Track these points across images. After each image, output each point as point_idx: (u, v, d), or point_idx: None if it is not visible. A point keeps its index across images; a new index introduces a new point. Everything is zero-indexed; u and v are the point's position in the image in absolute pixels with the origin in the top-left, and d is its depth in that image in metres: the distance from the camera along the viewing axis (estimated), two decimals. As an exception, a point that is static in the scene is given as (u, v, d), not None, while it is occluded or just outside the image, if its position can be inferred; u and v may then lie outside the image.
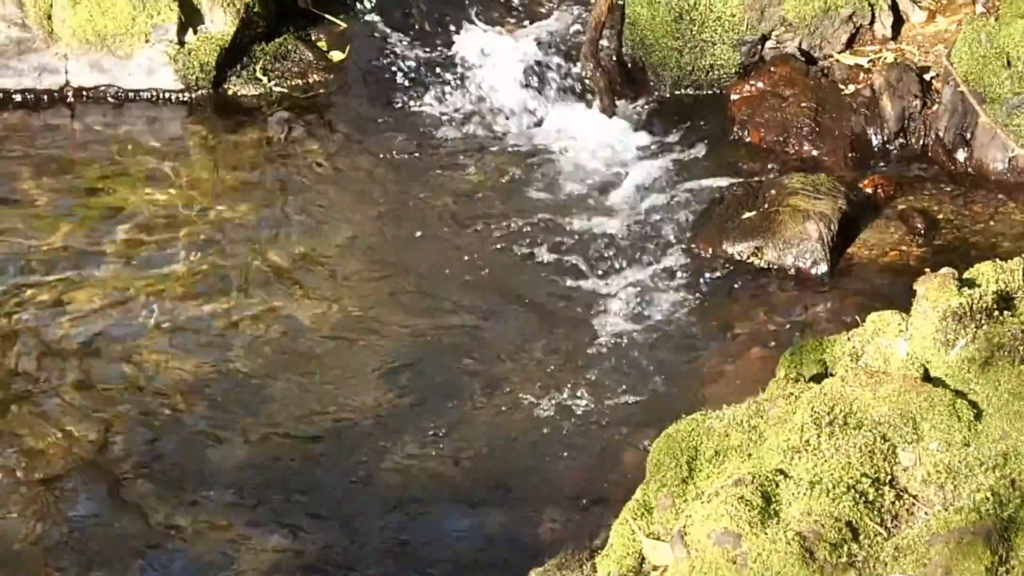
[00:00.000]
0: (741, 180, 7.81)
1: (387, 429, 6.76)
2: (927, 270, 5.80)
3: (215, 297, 7.49)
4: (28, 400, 6.99)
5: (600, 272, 7.46)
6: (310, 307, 7.42)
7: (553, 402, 6.75)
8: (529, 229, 7.77)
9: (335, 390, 6.96)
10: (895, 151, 7.77)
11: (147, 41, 8.61)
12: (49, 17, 8.60)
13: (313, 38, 9.00)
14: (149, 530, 6.33)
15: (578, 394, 6.79)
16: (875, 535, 4.71)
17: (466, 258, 7.69)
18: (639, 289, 7.35)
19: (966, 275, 5.66)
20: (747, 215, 7.46)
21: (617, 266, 7.48)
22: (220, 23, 8.70)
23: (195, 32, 8.70)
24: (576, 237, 7.67)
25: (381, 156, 8.32)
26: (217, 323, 7.36)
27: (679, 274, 7.40)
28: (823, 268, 7.20)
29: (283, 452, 6.68)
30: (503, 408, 6.77)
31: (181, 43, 8.63)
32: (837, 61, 8.12)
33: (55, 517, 6.41)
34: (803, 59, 8.15)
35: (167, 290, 7.51)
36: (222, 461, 6.63)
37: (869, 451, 4.84)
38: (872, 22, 8.07)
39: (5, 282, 7.57)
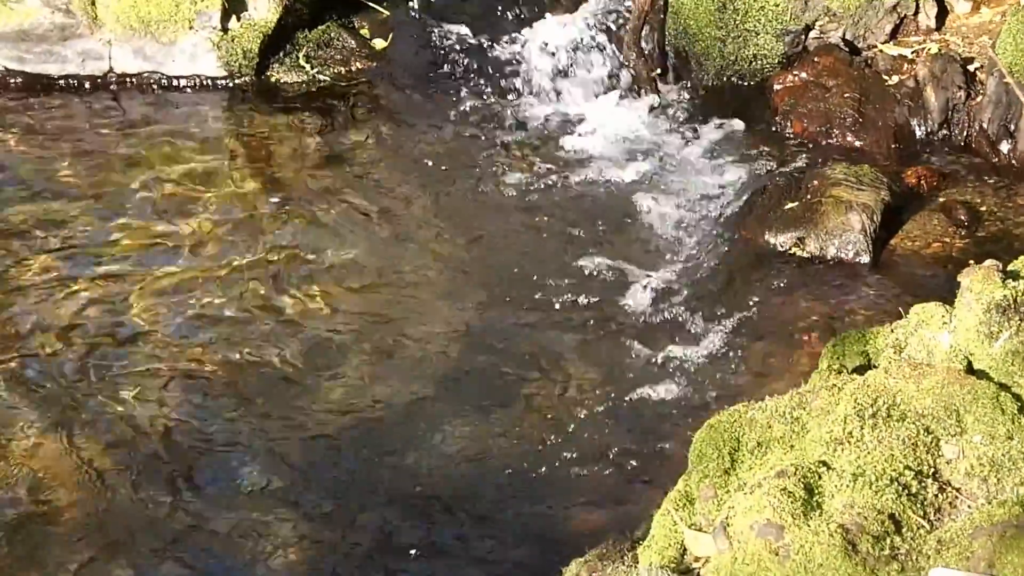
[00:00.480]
0: (784, 170, 7.80)
1: (433, 416, 6.77)
2: (971, 262, 5.79)
3: (256, 279, 7.48)
4: (80, 387, 7.02)
5: (642, 260, 7.44)
6: (352, 288, 7.43)
7: (596, 391, 6.75)
8: (570, 215, 7.81)
9: (387, 368, 7.03)
10: (939, 142, 7.76)
11: (191, 28, 8.63)
12: (93, 3, 8.63)
13: (356, 26, 9.01)
14: (198, 509, 6.38)
15: (620, 383, 6.79)
16: (918, 528, 4.71)
17: (511, 243, 7.72)
18: (681, 278, 7.34)
19: (1010, 267, 5.66)
20: (789, 205, 7.45)
21: (659, 254, 7.47)
22: (263, 10, 8.72)
23: (238, 19, 8.71)
24: (619, 225, 7.67)
25: (423, 144, 8.34)
26: (263, 304, 7.37)
27: (721, 263, 7.39)
28: (866, 259, 7.18)
29: (336, 434, 6.72)
30: (546, 397, 6.79)
31: (224, 30, 8.65)
32: (881, 52, 8.10)
33: (107, 493, 6.46)
34: (847, 49, 8.13)
35: (208, 273, 7.52)
36: (278, 438, 6.69)
37: (912, 444, 4.85)
38: (916, 12, 8.06)
39: (48, 264, 7.58)
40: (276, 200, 7.96)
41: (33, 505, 6.42)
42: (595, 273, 7.45)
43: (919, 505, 4.72)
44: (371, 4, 9.06)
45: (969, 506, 4.75)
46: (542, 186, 8.00)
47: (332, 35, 8.91)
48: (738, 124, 8.19)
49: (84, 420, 6.76)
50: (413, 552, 6.16)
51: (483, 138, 8.36)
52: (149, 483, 6.50)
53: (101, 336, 7.22)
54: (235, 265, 7.58)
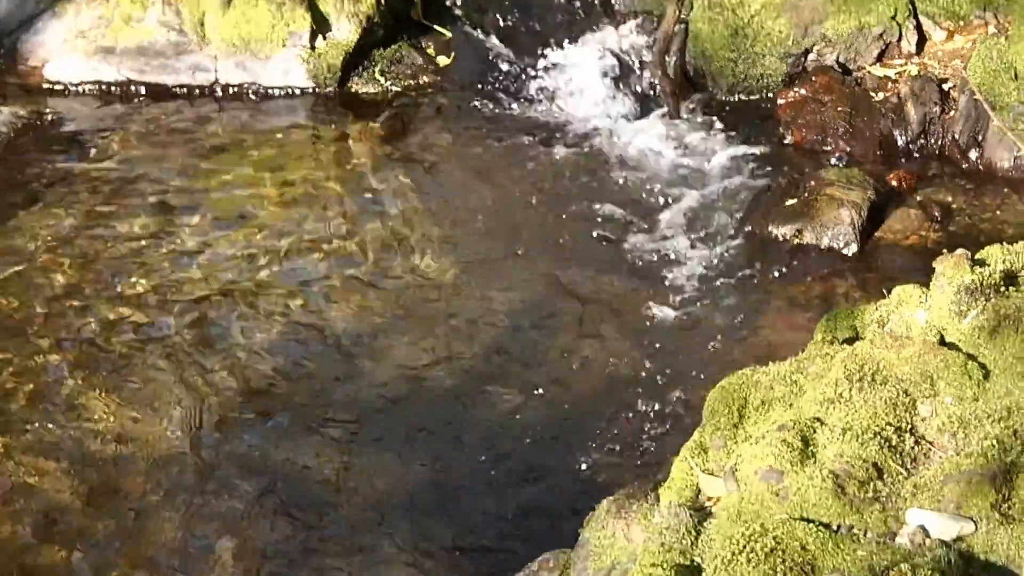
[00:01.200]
0: (785, 172, 7.88)
1: (491, 376, 6.86)
2: (944, 251, 5.88)
3: (343, 258, 7.56)
4: (202, 344, 7.16)
5: (667, 248, 7.54)
6: (423, 268, 7.49)
7: (625, 359, 6.84)
8: (604, 210, 7.84)
9: (454, 334, 7.12)
10: (917, 150, 7.81)
11: (284, 46, 8.71)
12: (202, 24, 8.70)
13: (423, 45, 9.04)
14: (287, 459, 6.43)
15: (646, 351, 6.87)
16: (897, 475, 4.82)
17: (553, 232, 7.76)
18: (698, 263, 7.42)
19: (977, 256, 5.75)
20: (790, 202, 7.54)
21: (680, 242, 7.56)
22: (345, 31, 8.81)
23: (324, 38, 8.79)
24: (647, 216, 7.75)
25: (479, 146, 8.41)
26: (350, 280, 7.44)
27: (733, 251, 7.48)
28: (854, 248, 7.27)
29: (410, 390, 6.81)
30: (586, 363, 6.89)
31: (312, 48, 8.72)
32: (869, 72, 8.13)
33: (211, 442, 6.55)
34: (840, 70, 8.17)
35: (303, 254, 7.60)
36: (364, 391, 6.80)
37: (893, 404, 4.95)
38: (899, 39, 8.10)
39: (169, 247, 7.67)
40: (356, 190, 8.04)
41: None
42: (625, 254, 7.55)
43: (898, 455, 4.83)
44: (436, 27, 9.09)
45: (940, 457, 4.85)
46: (579, 182, 8.08)
47: (403, 53, 8.95)
48: (747, 133, 8.19)
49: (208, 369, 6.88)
50: (475, 487, 6.24)
51: (530, 141, 8.41)
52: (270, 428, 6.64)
53: (210, 297, 7.34)
54: (326, 243, 7.68)
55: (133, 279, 7.43)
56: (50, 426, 6.57)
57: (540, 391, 6.73)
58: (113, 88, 8.87)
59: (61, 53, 8.96)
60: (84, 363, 6.92)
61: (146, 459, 6.39)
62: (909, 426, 4.93)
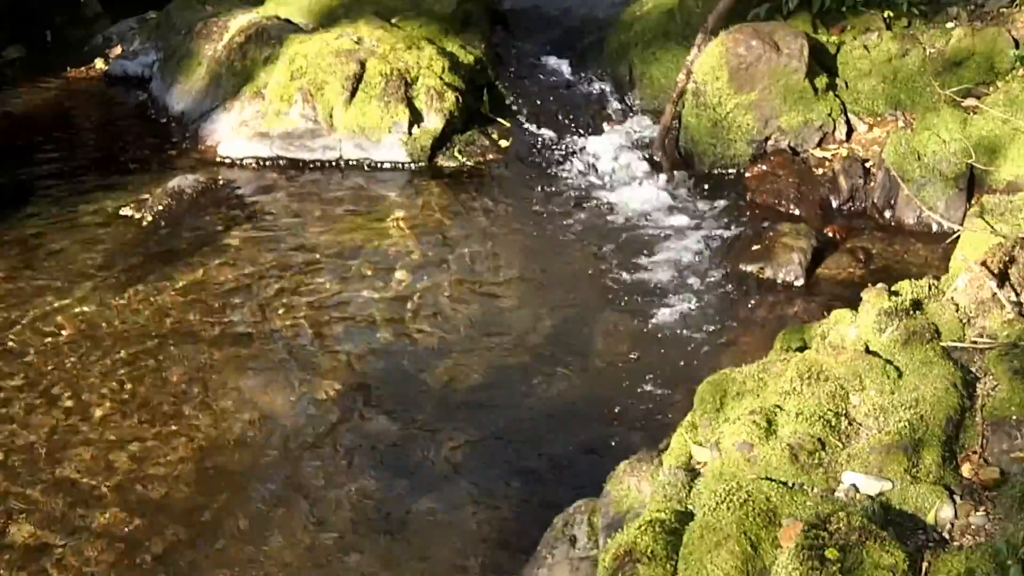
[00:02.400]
0: (751, 225, 7.90)
1: (538, 373, 6.86)
2: (868, 285, 5.89)
3: (431, 286, 7.55)
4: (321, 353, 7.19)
5: (664, 280, 7.56)
6: (487, 301, 7.47)
7: (636, 361, 6.89)
8: (618, 251, 7.85)
9: (508, 341, 7.14)
10: (847, 211, 7.84)
11: (389, 132, 8.72)
12: (331, 115, 8.74)
13: (489, 131, 9.03)
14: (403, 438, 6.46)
15: (651, 356, 6.91)
16: (835, 447, 4.83)
17: (581, 277, 7.73)
18: (688, 291, 7.44)
19: (892, 288, 5.76)
20: (755, 247, 7.57)
21: (675, 276, 7.58)
22: (433, 121, 8.83)
23: (418, 127, 8.80)
24: (646, 258, 7.74)
25: (530, 205, 8.40)
26: (440, 299, 7.48)
27: (714, 283, 7.51)
28: (801, 281, 7.31)
29: (483, 384, 6.81)
30: (608, 364, 6.93)
31: (410, 133, 8.73)
32: (812, 154, 8.14)
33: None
34: (791, 152, 8.18)
35: (403, 282, 7.60)
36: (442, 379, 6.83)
37: (832, 395, 4.97)
38: (834, 130, 8.10)
39: (306, 271, 7.75)
40: (439, 237, 8.07)
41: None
42: (631, 287, 7.52)
43: (836, 433, 4.85)
44: (498, 119, 9.10)
45: (867, 434, 4.87)
46: (598, 233, 8.07)
47: (474, 137, 8.96)
48: (723, 197, 8.23)
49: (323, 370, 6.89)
50: (530, 452, 6.33)
51: (563, 199, 8.44)
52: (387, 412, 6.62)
53: (326, 322, 7.33)
54: (417, 274, 7.67)
55: (281, 295, 7.50)
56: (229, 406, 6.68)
57: (575, 385, 6.77)
58: (266, 162, 8.89)
59: (229, 136, 9.03)
60: (238, 362, 6.99)
61: (287, 436, 6.45)
62: (844, 411, 4.95)
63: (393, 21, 9.41)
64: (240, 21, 9.56)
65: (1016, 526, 4.39)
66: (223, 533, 5.82)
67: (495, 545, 5.71)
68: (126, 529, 5.83)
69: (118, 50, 10.14)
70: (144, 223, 8.15)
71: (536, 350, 7.03)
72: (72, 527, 5.87)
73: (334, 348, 7.08)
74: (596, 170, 8.60)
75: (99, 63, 10.11)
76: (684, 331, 7.07)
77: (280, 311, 7.33)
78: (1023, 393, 4.96)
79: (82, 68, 10.12)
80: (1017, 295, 5.54)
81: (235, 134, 8.96)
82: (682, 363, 6.81)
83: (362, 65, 8.86)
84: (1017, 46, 7.77)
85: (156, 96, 9.61)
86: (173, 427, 6.44)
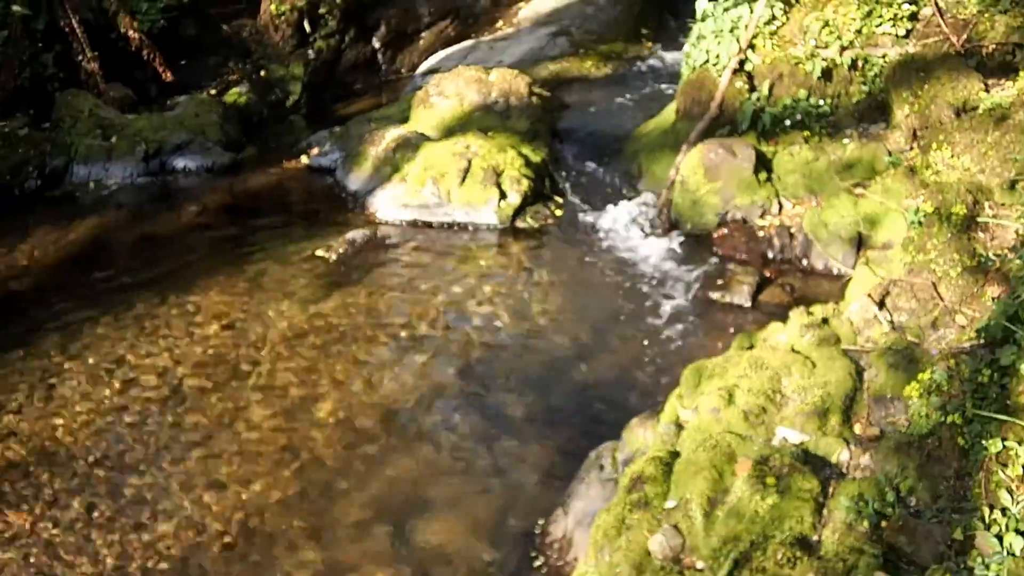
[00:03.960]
0: (716, 267, 7.82)
1: (576, 368, 6.89)
2: (793, 307, 5.90)
3: (505, 310, 7.56)
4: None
5: (657, 302, 7.51)
6: (545, 312, 7.50)
7: (639, 358, 6.90)
8: (631, 282, 7.78)
9: (565, 342, 7.12)
10: (778, 259, 7.79)
11: (486, 203, 8.67)
12: (449, 193, 8.74)
13: (549, 204, 8.94)
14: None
15: (650, 353, 6.95)
16: (773, 412, 4.85)
17: (605, 298, 7.68)
18: (676, 310, 7.41)
19: (809, 309, 5.75)
20: (719, 281, 7.58)
21: (664, 300, 7.53)
22: (514, 198, 8.74)
23: (504, 201, 8.71)
24: (650, 287, 7.69)
25: (575, 251, 8.36)
26: (514, 317, 7.45)
27: (692, 305, 7.47)
28: (749, 304, 7.31)
29: (540, 375, 6.84)
30: (622, 360, 6.94)
31: (499, 205, 8.67)
32: (756, 223, 8.08)
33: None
34: (743, 221, 8.11)
35: (490, 307, 7.63)
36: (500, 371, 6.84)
37: (771, 378, 4.99)
38: (771, 207, 8.05)
39: (428, 296, 7.79)
40: (516, 273, 8.07)
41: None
42: (638, 306, 7.48)
43: (773, 403, 4.87)
44: (555, 196, 9.09)
45: (793, 404, 4.84)
46: (617, 270, 8.00)
47: (539, 208, 8.89)
48: (699, 249, 8.19)
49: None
50: (570, 412, 6.44)
51: (594, 248, 8.38)
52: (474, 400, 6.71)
53: (445, 327, 7.41)
54: (496, 302, 7.67)
55: (416, 306, 7.61)
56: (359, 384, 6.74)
57: (603, 371, 6.81)
58: (408, 223, 8.87)
59: (385, 206, 9.02)
60: (384, 349, 7.10)
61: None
62: (778, 389, 4.98)
63: (489, 134, 9.45)
64: (392, 133, 9.66)
65: (890, 465, 4.40)
66: (378, 452, 6.08)
67: (554, 468, 5.84)
68: (302, 453, 6.00)
69: (316, 151, 10.27)
70: (330, 260, 8.24)
71: (578, 347, 7.07)
72: (283, 440, 6.07)
73: (447, 342, 7.20)
74: (617, 229, 8.59)
75: (303, 159, 10.25)
76: (673, 335, 7.10)
77: (414, 317, 7.48)
78: (894, 379, 4.99)
79: (292, 161, 10.27)
80: (890, 316, 5.56)
81: (388, 204, 9.02)
82: (672, 356, 6.82)
83: (469, 162, 8.90)
84: (890, 155, 7.73)
85: (339, 180, 9.70)
86: (341, 389, 6.68)
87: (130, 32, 10.79)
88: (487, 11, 14.09)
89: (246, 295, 7.77)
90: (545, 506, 5.41)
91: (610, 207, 8.85)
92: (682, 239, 8.23)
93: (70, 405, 6.49)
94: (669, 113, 9.38)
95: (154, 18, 11.11)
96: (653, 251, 8.16)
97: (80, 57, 10.48)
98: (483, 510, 5.47)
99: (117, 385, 6.69)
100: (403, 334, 7.23)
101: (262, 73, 11.74)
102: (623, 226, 8.56)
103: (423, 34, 13.54)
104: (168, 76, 11.09)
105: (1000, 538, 3.83)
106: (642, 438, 5.22)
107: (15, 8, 10.02)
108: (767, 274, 7.61)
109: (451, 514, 5.45)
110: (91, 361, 6.95)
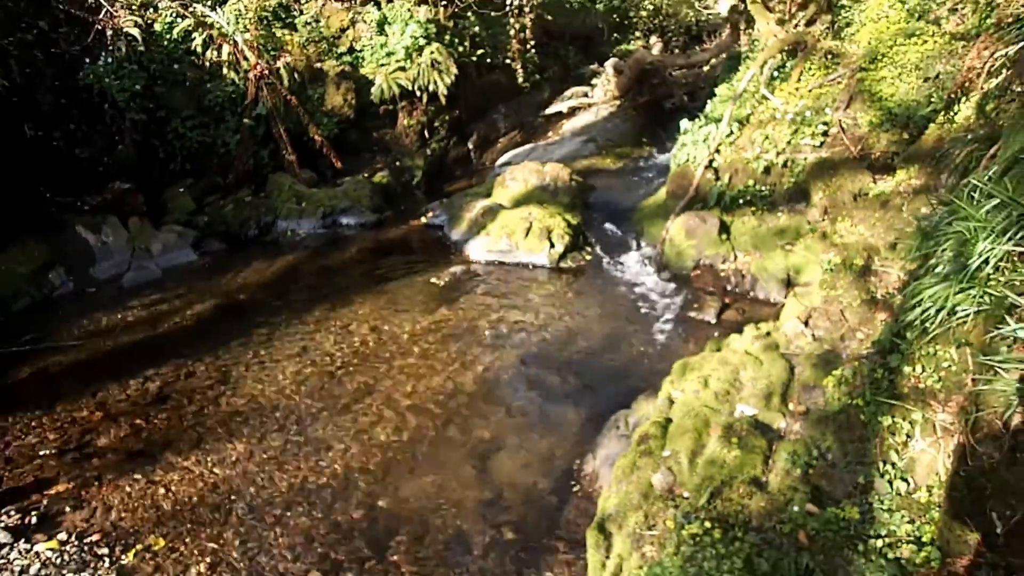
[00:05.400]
0: (694, 295, 7.63)
1: (598, 365, 6.71)
2: (746, 324, 5.74)
3: (555, 320, 7.44)
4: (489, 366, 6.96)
5: (656, 318, 7.33)
6: (579, 325, 7.33)
7: (639, 356, 6.72)
8: (636, 303, 7.61)
9: (594, 347, 6.93)
10: (735, 291, 7.55)
11: (541, 251, 8.59)
12: (517, 244, 8.65)
13: (582, 252, 8.83)
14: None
15: (648, 353, 6.77)
16: (734, 393, 4.69)
17: (620, 316, 7.50)
18: (666, 324, 7.23)
19: (759, 325, 5.59)
20: (695, 304, 7.41)
21: (657, 318, 7.35)
22: (559, 246, 8.65)
23: (553, 249, 8.62)
24: (648, 309, 7.53)
25: (600, 284, 8.18)
26: (558, 328, 7.29)
27: (676, 320, 7.27)
28: (715, 320, 7.11)
29: (575, 372, 6.65)
30: (630, 358, 6.73)
31: (550, 252, 8.58)
32: (720, 267, 7.89)
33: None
34: (710, 266, 7.93)
35: (542, 320, 7.49)
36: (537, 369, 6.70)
37: (733, 372, 4.86)
38: (729, 257, 7.85)
39: (498, 319, 7.63)
40: (561, 297, 7.90)
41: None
42: (640, 322, 7.29)
43: (734, 388, 4.73)
44: (586, 247, 8.97)
45: (747, 389, 4.70)
46: (627, 296, 7.82)
47: (576, 254, 8.79)
48: (683, 284, 7.99)
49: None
50: (596, 392, 6.22)
51: (614, 279, 8.20)
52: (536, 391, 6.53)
53: (508, 332, 7.27)
54: (549, 316, 7.50)
55: (490, 316, 7.47)
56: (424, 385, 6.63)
57: (618, 365, 6.61)
58: (490, 262, 8.80)
59: (475, 251, 9.01)
60: (470, 345, 6.98)
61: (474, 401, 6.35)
62: (738, 378, 4.85)
63: (543, 205, 9.41)
64: (481, 203, 9.68)
65: (814, 432, 4.26)
66: (469, 412, 5.99)
67: (585, 426, 5.73)
68: (420, 412, 5.97)
69: (431, 214, 10.30)
70: (440, 285, 8.25)
71: (601, 346, 6.92)
72: (407, 402, 6.06)
73: (514, 340, 7.10)
74: (627, 269, 8.47)
75: (423, 219, 10.28)
76: (665, 340, 6.95)
77: (494, 323, 7.40)
78: (816, 374, 4.85)
79: (415, 221, 10.32)
80: (812, 332, 5.40)
81: (477, 250, 9.02)
82: (663, 353, 6.68)
83: (531, 223, 8.90)
84: (809, 224, 7.54)
85: (446, 233, 9.71)
86: (447, 370, 6.62)
87: (315, 136, 10.98)
88: (542, 125, 14.13)
89: (385, 307, 7.81)
90: (579, 451, 5.33)
91: (623, 254, 8.74)
92: (669, 277, 8.09)
93: (272, 375, 6.58)
94: (661, 194, 9.30)
95: (331, 128, 11.30)
96: (651, 284, 8.03)
97: (284, 152, 10.72)
98: (537, 453, 5.38)
99: (301, 364, 6.78)
100: (486, 334, 7.13)
101: (397, 164, 11.89)
102: (631, 267, 8.47)
103: (501, 140, 13.62)
104: (338, 165, 11.25)
105: (891, 483, 3.71)
106: (645, 408, 5.14)
107: (246, 121, 10.28)
108: (727, 301, 7.40)
109: (516, 455, 5.37)
110: (285, 348, 7.05)
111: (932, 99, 7.17)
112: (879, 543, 3.41)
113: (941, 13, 7.70)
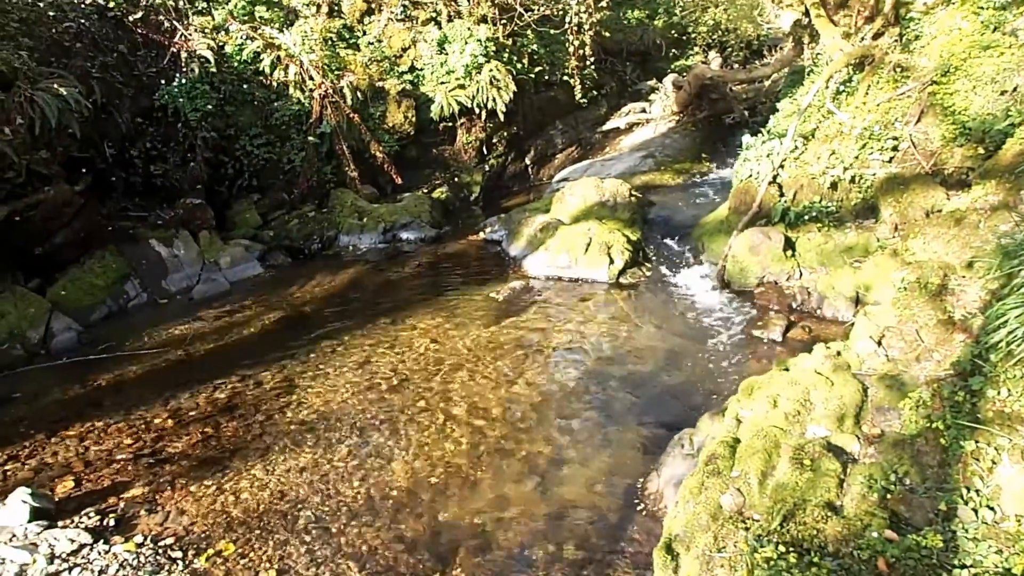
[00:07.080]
0: (758, 313, 7.49)
1: (662, 375, 6.62)
2: (813, 343, 5.61)
3: (614, 333, 7.37)
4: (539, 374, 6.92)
5: (718, 336, 7.20)
6: (638, 339, 7.24)
7: (709, 373, 6.61)
8: (698, 320, 7.51)
9: (659, 364, 6.84)
10: (801, 309, 7.39)
11: (600, 266, 8.55)
12: (576, 259, 8.64)
13: (642, 267, 8.78)
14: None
15: (716, 371, 6.65)
16: (805, 414, 4.59)
17: (680, 333, 7.39)
18: (730, 342, 7.08)
19: (830, 344, 5.46)
20: (759, 323, 7.25)
21: (722, 334, 7.22)
22: (619, 263, 8.62)
23: (612, 264, 8.60)
24: (711, 324, 7.42)
25: (660, 300, 8.09)
26: (618, 342, 7.22)
27: (741, 339, 7.14)
28: (781, 339, 6.96)
29: (634, 388, 6.57)
30: (693, 377, 6.61)
31: (609, 267, 8.56)
32: (785, 283, 7.73)
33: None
34: (775, 283, 7.76)
35: (601, 332, 7.44)
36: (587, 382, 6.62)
37: (803, 391, 4.77)
38: (795, 274, 7.68)
39: (547, 330, 7.59)
40: (621, 311, 7.84)
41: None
42: (704, 340, 7.12)
43: (805, 408, 4.62)
44: (645, 263, 8.90)
45: (819, 410, 4.61)
46: (689, 312, 7.73)
47: (635, 270, 8.76)
48: (745, 301, 7.87)
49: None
50: (659, 410, 6.14)
51: (675, 295, 8.10)
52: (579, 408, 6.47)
53: (566, 343, 7.23)
54: (609, 329, 7.46)
55: (547, 327, 7.44)
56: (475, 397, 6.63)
57: (681, 383, 6.51)
58: (549, 277, 8.80)
59: (534, 266, 9.01)
60: (523, 359, 6.97)
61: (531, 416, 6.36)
62: (808, 398, 4.75)
63: (602, 221, 9.39)
64: (539, 219, 9.70)
65: (890, 456, 4.14)
66: (530, 426, 5.97)
67: (647, 445, 5.66)
68: (480, 426, 6.00)
69: (489, 229, 10.36)
70: (499, 300, 8.27)
71: (662, 363, 6.81)
72: (468, 416, 6.07)
73: (573, 355, 7.04)
74: (687, 285, 8.37)
75: (481, 234, 10.35)
76: (728, 358, 6.82)
77: (553, 338, 7.37)
78: (890, 396, 4.72)
79: (474, 236, 10.38)
80: (886, 352, 5.25)
81: (536, 265, 9.03)
82: (727, 371, 6.56)
83: (590, 239, 8.88)
84: (878, 240, 7.33)
85: (504, 248, 9.76)
86: (507, 384, 6.61)
87: (376, 153, 11.17)
88: (599, 142, 14.11)
89: (445, 320, 7.86)
90: (643, 471, 5.25)
91: (683, 270, 8.64)
92: (732, 294, 7.96)
93: (335, 386, 6.67)
94: (722, 209, 9.18)
95: (391, 145, 11.47)
96: (713, 301, 7.91)
97: (346, 168, 10.92)
98: (598, 470, 5.30)
99: (365, 375, 6.85)
100: (547, 349, 7.10)
101: (456, 179, 12.02)
102: (692, 284, 8.35)
103: (558, 155, 13.64)
104: (398, 180, 11.43)
105: (976, 511, 3.55)
106: (711, 427, 5.04)
107: (311, 139, 10.52)
108: (792, 319, 7.26)
109: (577, 471, 5.31)
110: (347, 359, 7.14)
111: (1010, 112, 6.92)
112: (964, 573, 3.27)
113: (1018, 25, 7.44)
